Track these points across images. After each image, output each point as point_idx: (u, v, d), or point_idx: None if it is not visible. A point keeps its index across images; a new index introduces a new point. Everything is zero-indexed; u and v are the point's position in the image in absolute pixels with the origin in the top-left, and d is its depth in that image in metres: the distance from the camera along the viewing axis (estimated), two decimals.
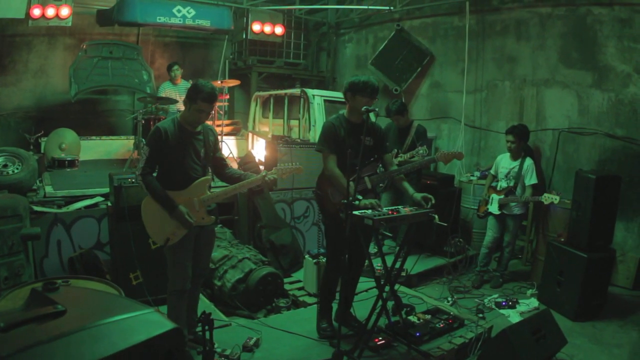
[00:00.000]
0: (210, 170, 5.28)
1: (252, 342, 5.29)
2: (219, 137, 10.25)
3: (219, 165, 5.27)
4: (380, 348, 5.30)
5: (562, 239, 7.39)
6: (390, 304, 5.62)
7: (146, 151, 4.80)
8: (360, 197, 5.08)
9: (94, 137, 11.67)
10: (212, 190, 5.14)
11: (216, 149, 5.24)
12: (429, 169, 10.04)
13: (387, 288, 5.34)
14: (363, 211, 4.90)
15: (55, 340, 1.74)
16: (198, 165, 4.98)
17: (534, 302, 7.28)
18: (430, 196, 5.25)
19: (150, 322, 1.98)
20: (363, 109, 5.07)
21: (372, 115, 9.88)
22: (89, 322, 1.88)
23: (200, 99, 4.73)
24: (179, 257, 4.91)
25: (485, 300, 7.25)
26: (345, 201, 4.82)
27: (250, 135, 12.05)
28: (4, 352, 1.64)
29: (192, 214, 4.85)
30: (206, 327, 4.34)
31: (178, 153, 4.84)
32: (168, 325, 1.97)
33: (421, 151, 7.42)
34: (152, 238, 5.09)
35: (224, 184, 5.47)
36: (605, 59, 8.56)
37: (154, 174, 4.89)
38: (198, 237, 5.03)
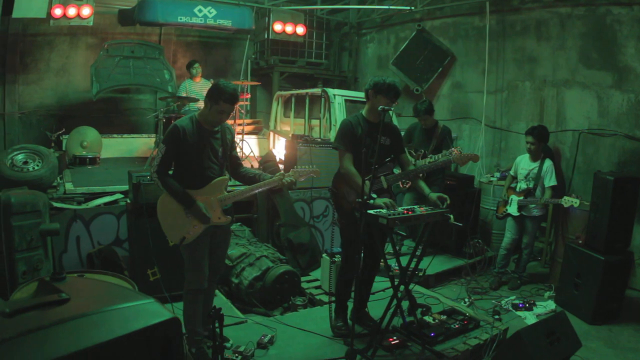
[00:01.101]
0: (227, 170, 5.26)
1: (266, 339, 5.32)
2: (241, 136, 10.39)
3: (234, 164, 5.23)
4: (394, 348, 5.29)
5: (580, 241, 7.33)
6: (406, 304, 5.63)
7: (163, 149, 4.75)
8: (375, 195, 5.09)
9: (115, 135, 11.80)
10: (228, 190, 5.14)
11: (232, 147, 5.21)
12: (450, 169, 10.01)
13: (402, 288, 5.34)
14: (378, 210, 4.91)
15: (56, 325, 1.81)
16: (216, 165, 4.94)
17: (551, 305, 7.24)
18: (445, 196, 5.25)
19: (148, 311, 2.04)
20: (379, 108, 5.07)
21: (392, 115, 9.91)
22: (90, 310, 1.95)
23: (223, 99, 4.69)
24: (195, 256, 4.89)
25: (503, 302, 7.21)
26: (360, 200, 4.83)
27: (271, 134, 12.09)
28: (7, 335, 1.72)
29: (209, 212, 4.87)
30: (216, 322, 4.33)
31: (196, 152, 4.80)
32: (166, 315, 2.01)
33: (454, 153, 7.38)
34: (168, 237, 5.05)
35: (240, 183, 5.48)
36: (625, 60, 8.48)
37: (170, 172, 4.87)
38: (213, 236, 5.02)
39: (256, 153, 11.12)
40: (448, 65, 11.79)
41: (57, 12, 10.06)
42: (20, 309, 1.91)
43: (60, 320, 1.85)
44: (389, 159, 5.55)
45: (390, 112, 5.31)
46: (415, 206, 5.40)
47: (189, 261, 4.93)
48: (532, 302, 7.20)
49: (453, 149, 7.22)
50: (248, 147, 10.53)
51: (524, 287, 7.99)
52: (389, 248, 5.77)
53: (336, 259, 6.68)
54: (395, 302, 5.22)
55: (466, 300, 7.13)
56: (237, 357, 4.97)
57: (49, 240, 6.25)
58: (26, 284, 4.57)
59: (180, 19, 11.04)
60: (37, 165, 7.49)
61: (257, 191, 5.16)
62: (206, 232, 4.90)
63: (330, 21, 15.08)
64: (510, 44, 10.47)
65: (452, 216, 5.12)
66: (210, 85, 4.96)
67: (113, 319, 1.93)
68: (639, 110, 8.36)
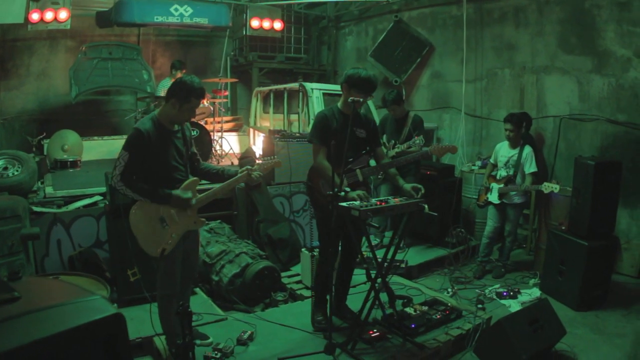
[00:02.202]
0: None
1: (246, 336, 5.28)
2: (220, 134, 10.36)
3: (193, 159, 5.09)
4: (375, 340, 5.25)
5: (563, 227, 7.32)
6: (386, 296, 5.60)
7: (125, 156, 4.50)
8: (348, 189, 5.05)
9: (96, 138, 11.73)
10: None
11: (192, 144, 5.06)
12: (430, 159, 9.99)
13: (379, 280, 5.31)
14: (351, 202, 4.87)
15: (3, 322, 1.90)
16: (182, 165, 4.82)
17: (536, 292, 7.21)
18: (419, 186, 5.21)
19: (92, 308, 2.09)
20: (349, 99, 5.04)
21: (372, 105, 9.89)
22: (36, 307, 2.02)
23: (194, 96, 4.56)
24: (170, 264, 4.75)
25: (486, 291, 7.17)
26: (331, 192, 4.78)
27: (251, 130, 12.07)
28: None
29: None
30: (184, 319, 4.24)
31: (161, 155, 4.64)
32: (110, 310, 2.07)
33: (417, 141, 7.30)
34: (146, 251, 4.73)
35: (209, 184, 5.41)
36: (604, 44, 8.44)
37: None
38: (186, 240, 4.89)
39: (236, 150, 11.10)
40: (427, 56, 11.76)
41: (35, 16, 10.10)
42: None
43: (7, 317, 1.92)
44: (364, 151, 5.51)
45: (371, 105, 5.27)
46: (389, 197, 5.37)
47: (163, 267, 4.77)
48: (516, 290, 7.17)
49: (416, 138, 7.21)
50: (227, 144, 10.51)
51: (508, 275, 7.95)
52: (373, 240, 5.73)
53: (315, 253, 6.65)
54: (372, 294, 5.18)
55: (449, 290, 7.09)
56: (216, 354, 4.93)
57: (30, 245, 6.28)
58: None
59: (157, 18, 11.07)
60: (17, 171, 7.56)
61: (227, 189, 5.10)
62: (180, 239, 4.78)
63: (308, 15, 15.11)
64: (489, 31, 10.44)
65: (426, 206, 5.08)
66: None
67: (56, 316, 1.99)
68: (619, 94, 8.34)
